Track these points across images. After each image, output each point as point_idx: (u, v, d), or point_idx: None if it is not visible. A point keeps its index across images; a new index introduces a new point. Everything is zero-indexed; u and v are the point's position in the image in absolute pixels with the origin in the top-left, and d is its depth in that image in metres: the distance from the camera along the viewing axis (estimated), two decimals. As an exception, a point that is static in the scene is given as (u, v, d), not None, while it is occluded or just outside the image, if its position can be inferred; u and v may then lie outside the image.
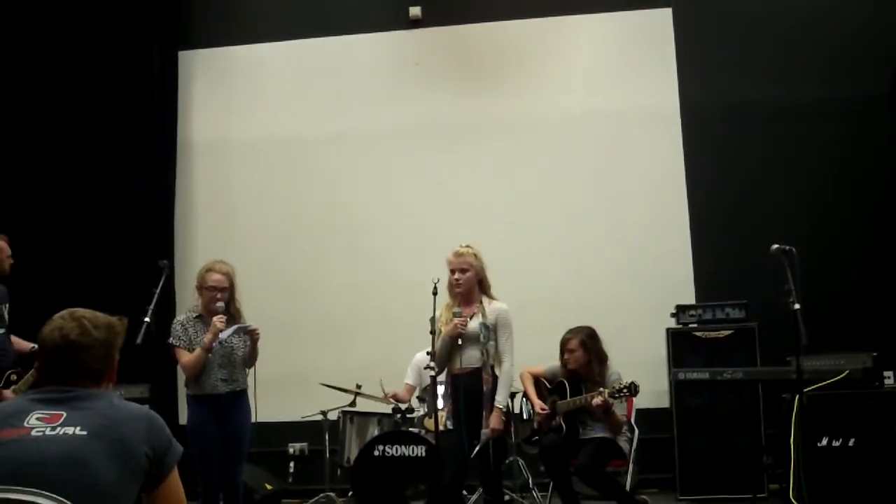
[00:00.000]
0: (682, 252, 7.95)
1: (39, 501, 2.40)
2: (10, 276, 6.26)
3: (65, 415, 2.60)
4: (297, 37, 8.69)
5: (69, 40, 8.55)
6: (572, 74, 8.39)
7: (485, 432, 5.29)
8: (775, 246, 5.29)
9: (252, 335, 5.73)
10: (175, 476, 2.75)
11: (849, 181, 7.78)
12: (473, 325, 5.46)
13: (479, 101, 8.42)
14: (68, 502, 2.41)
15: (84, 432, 2.57)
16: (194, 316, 5.73)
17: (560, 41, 8.46)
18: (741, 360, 7.02)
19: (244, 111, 8.69)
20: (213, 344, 5.55)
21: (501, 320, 5.50)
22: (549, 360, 6.40)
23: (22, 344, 6.17)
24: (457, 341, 5.41)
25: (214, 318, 5.57)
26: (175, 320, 5.80)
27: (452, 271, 5.56)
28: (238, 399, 5.71)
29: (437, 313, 5.54)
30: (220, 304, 5.61)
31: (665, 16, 8.22)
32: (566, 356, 6.20)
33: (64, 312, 2.83)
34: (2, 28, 8.45)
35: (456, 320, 5.42)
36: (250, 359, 5.80)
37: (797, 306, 5.16)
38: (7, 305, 6.14)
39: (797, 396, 5.64)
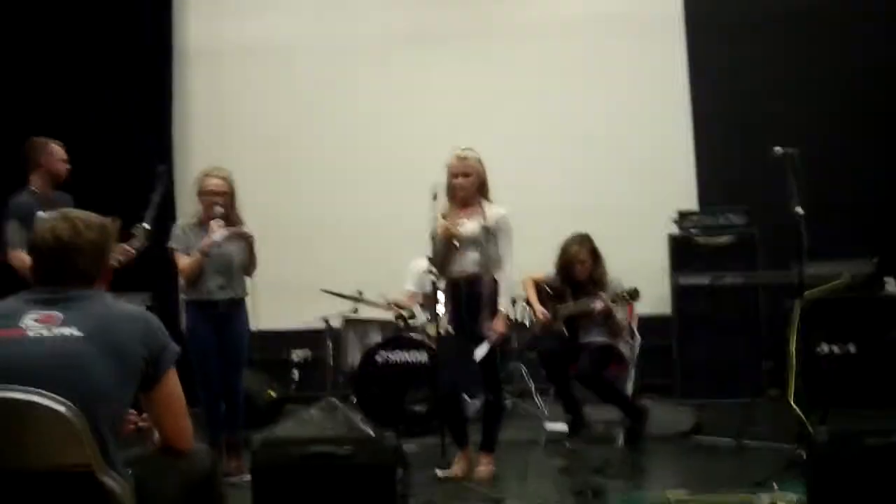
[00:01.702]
0: (684, 157, 7.91)
1: (35, 400, 2.41)
2: (70, 182, 6.15)
3: (60, 315, 2.60)
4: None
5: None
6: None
7: (489, 335, 5.28)
8: (778, 149, 5.22)
9: (246, 239, 5.71)
10: (173, 376, 2.76)
11: (857, 86, 7.64)
12: (472, 228, 5.41)
13: (478, 6, 8.29)
14: (65, 400, 2.42)
15: (80, 333, 2.57)
16: (194, 222, 5.71)
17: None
18: (742, 266, 7.03)
19: (240, 15, 8.56)
20: (210, 248, 5.54)
21: (501, 225, 5.45)
22: (547, 266, 6.41)
23: None
24: (452, 243, 5.37)
25: (211, 222, 5.55)
26: (175, 224, 5.80)
27: (455, 175, 5.48)
28: (236, 307, 5.72)
29: (436, 218, 5.50)
30: (219, 209, 5.59)
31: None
32: (577, 266, 6.19)
33: (56, 213, 2.82)
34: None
35: (444, 223, 5.37)
36: (249, 265, 5.79)
37: (799, 211, 5.12)
38: None
39: (797, 302, 5.64)
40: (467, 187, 5.44)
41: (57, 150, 6.04)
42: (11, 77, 8.20)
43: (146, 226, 5.73)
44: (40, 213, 5.61)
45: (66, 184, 6.14)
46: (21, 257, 5.58)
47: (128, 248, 5.51)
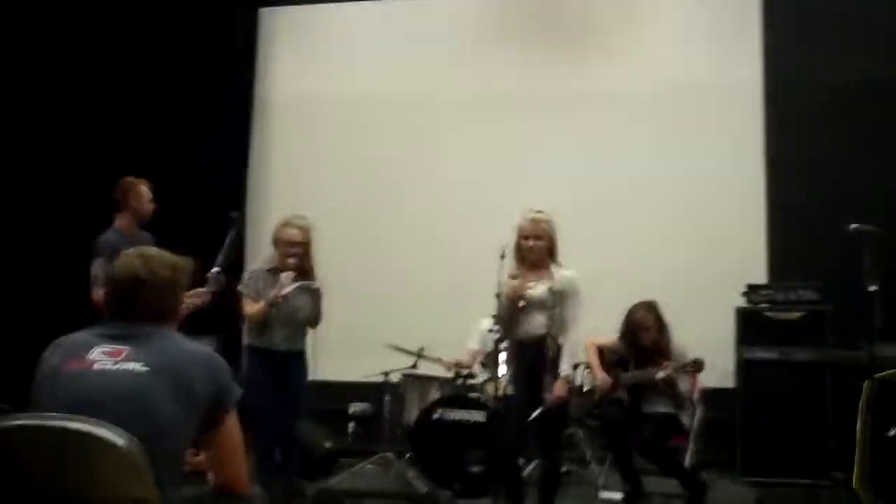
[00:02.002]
0: (756, 231, 7.82)
1: (97, 432, 2.43)
2: (153, 221, 6.31)
3: (128, 350, 2.64)
4: (379, -4, 8.69)
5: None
6: (653, 46, 8.27)
7: (547, 398, 5.23)
8: (854, 225, 5.14)
9: (315, 294, 5.76)
10: (233, 419, 2.77)
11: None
12: (540, 291, 5.39)
13: (557, 70, 8.34)
14: (126, 434, 2.44)
15: (146, 369, 2.60)
16: (267, 269, 5.77)
17: (643, 12, 8.36)
18: (812, 343, 6.87)
19: (324, 70, 8.73)
20: (279, 300, 5.59)
21: (569, 288, 5.42)
22: (613, 332, 6.35)
23: None
24: (517, 305, 5.35)
25: (281, 275, 5.60)
26: (248, 269, 5.87)
27: (526, 237, 5.47)
28: (296, 357, 5.75)
29: (503, 278, 5.49)
30: (293, 260, 5.64)
31: (754, -10, 8.04)
32: (642, 333, 6.13)
33: (133, 251, 2.88)
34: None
35: (512, 283, 5.36)
36: (314, 318, 5.83)
37: (874, 288, 5.02)
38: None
39: (867, 383, 5.50)
40: (538, 250, 5.43)
41: (145, 190, 6.23)
42: (100, 117, 8.43)
43: (217, 269, 5.81)
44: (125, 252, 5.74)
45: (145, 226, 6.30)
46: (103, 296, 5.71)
47: (202, 291, 5.58)
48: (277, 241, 5.80)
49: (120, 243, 5.90)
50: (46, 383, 2.64)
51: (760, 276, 7.61)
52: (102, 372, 2.58)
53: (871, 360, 5.22)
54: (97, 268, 5.90)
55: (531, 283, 5.38)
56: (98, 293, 5.82)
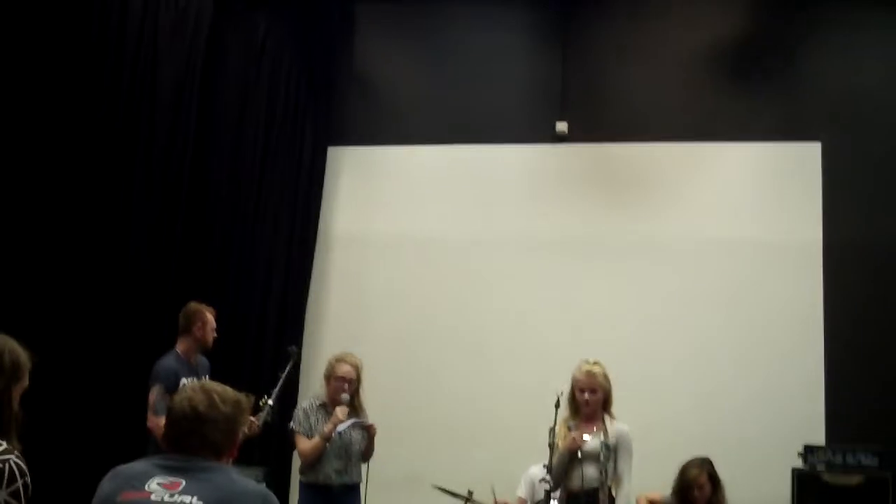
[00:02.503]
0: (814, 392, 7.68)
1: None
2: (213, 349, 6.39)
3: (184, 483, 2.67)
4: (444, 142, 8.87)
5: (230, 127, 8.94)
6: (713, 201, 8.31)
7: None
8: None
9: (369, 431, 5.79)
10: (284, 558, 2.78)
11: None
12: (594, 443, 5.38)
13: (616, 220, 8.39)
14: None
15: (201, 503, 2.62)
16: (318, 404, 5.83)
17: (702, 167, 8.42)
18: (871, 510, 6.69)
19: (385, 209, 8.88)
20: (332, 435, 5.61)
21: (623, 442, 5.41)
22: (665, 486, 6.25)
23: None
24: (574, 456, 5.32)
25: (336, 409, 5.65)
26: (298, 406, 5.92)
27: (581, 390, 5.49)
28: (350, 492, 5.75)
29: (556, 427, 5.48)
30: (345, 396, 5.70)
31: (814, 150, 8.11)
32: (695, 491, 6.03)
33: (196, 384, 2.94)
34: (157, 113, 8.83)
35: (573, 434, 5.34)
36: (366, 453, 5.84)
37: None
38: (207, 377, 6.14)
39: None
40: (593, 404, 5.45)
41: (210, 318, 6.31)
42: (169, 244, 8.63)
43: (271, 402, 5.87)
44: (184, 381, 5.81)
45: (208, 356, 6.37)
46: (160, 425, 5.75)
47: (254, 420, 5.61)
48: (330, 377, 5.87)
49: (179, 370, 6.00)
50: (103, 512, 2.67)
51: (819, 438, 7.46)
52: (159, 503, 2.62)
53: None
54: (156, 395, 5.95)
55: (586, 436, 5.35)
56: (154, 420, 5.86)
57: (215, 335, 6.35)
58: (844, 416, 7.56)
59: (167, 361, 6.11)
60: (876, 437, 7.05)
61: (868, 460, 6.95)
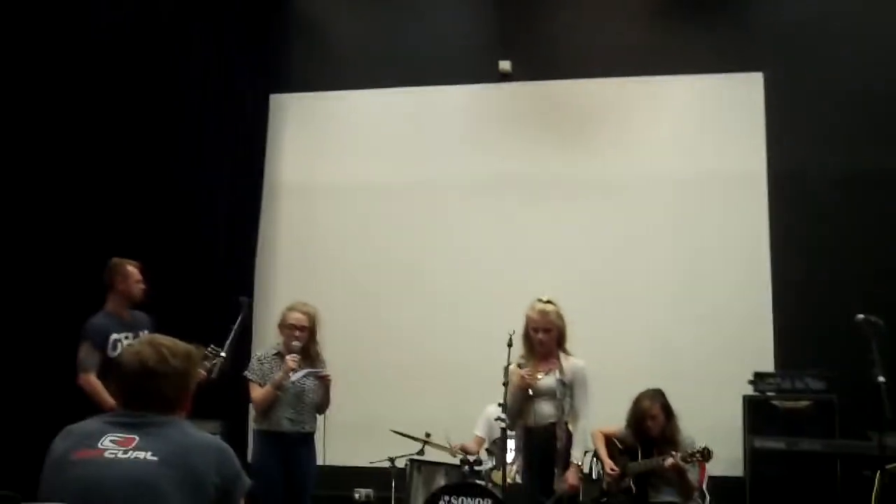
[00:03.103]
0: (762, 319, 7.81)
1: (107, 522, 2.44)
2: (149, 303, 6.31)
3: (137, 439, 2.65)
4: (386, 85, 8.81)
5: (165, 78, 8.77)
6: (658, 135, 8.35)
7: (561, 487, 5.22)
8: (861, 316, 5.16)
9: (323, 381, 5.78)
10: (241, 509, 2.77)
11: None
12: (550, 380, 5.43)
13: (563, 158, 8.41)
14: None
15: (155, 458, 2.61)
16: (273, 353, 5.81)
17: (647, 102, 8.45)
18: (820, 432, 6.83)
19: (331, 156, 8.82)
20: (284, 382, 5.61)
21: (578, 378, 5.46)
22: (620, 420, 6.34)
23: None
24: (527, 394, 5.37)
25: (287, 357, 5.64)
26: (254, 355, 5.90)
27: (535, 329, 5.51)
28: (304, 441, 5.76)
29: (511, 366, 5.51)
30: (297, 344, 5.69)
31: (756, 81, 8.16)
32: (648, 422, 6.12)
33: (144, 338, 2.91)
34: (93, 70, 8.69)
35: (522, 372, 5.38)
36: (322, 404, 5.84)
37: (881, 379, 5.01)
38: (148, 331, 6.07)
39: (878, 473, 5.46)
40: (547, 342, 5.47)
41: (132, 271, 6.19)
42: (101, 199, 8.53)
43: (224, 354, 5.83)
44: (114, 336, 5.78)
45: (149, 306, 6.29)
46: (90, 381, 5.70)
47: (202, 371, 5.59)
48: (283, 326, 5.85)
49: (109, 326, 5.93)
50: (57, 471, 2.65)
51: (768, 364, 7.59)
52: (112, 460, 2.59)
53: (881, 451, 5.20)
54: (83, 351, 5.87)
55: (540, 374, 5.39)
56: (82, 377, 5.81)
57: (142, 287, 6.24)
58: (792, 342, 7.69)
59: (95, 318, 6.02)
60: (823, 361, 7.18)
61: (816, 384, 7.09)
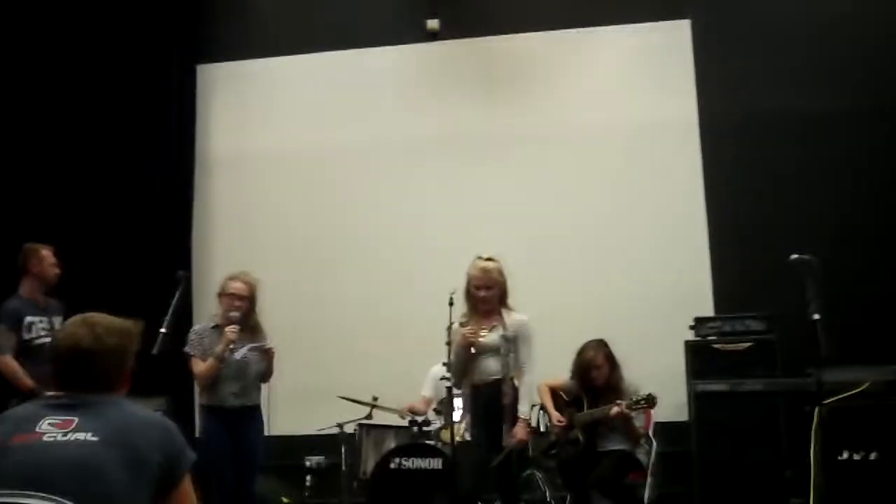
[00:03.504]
0: (701, 265, 7.90)
1: (48, 507, 2.40)
2: (60, 287, 6.30)
3: (77, 420, 2.60)
4: (315, 50, 8.73)
5: (88, 55, 8.59)
6: (590, 87, 8.37)
7: (510, 442, 5.26)
8: (794, 255, 5.23)
9: (268, 354, 5.74)
10: (188, 483, 2.73)
11: (869, 191, 7.68)
12: (493, 337, 5.44)
13: (496, 115, 8.40)
14: None
15: (96, 438, 2.56)
16: (211, 326, 5.75)
17: (578, 54, 8.47)
18: (761, 372, 6.94)
19: (263, 124, 8.73)
20: (226, 355, 5.56)
21: (522, 332, 5.48)
22: (566, 372, 6.39)
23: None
24: (470, 352, 5.38)
25: (227, 329, 5.58)
26: (192, 329, 5.83)
27: (477, 287, 5.51)
28: (250, 413, 5.73)
29: (454, 324, 5.51)
30: (236, 314, 5.62)
31: (683, 27, 8.21)
32: (593, 373, 6.17)
33: (77, 318, 2.83)
34: (18, 39, 8.47)
35: (463, 331, 5.39)
36: (265, 375, 5.81)
37: (817, 317, 5.10)
38: (61, 319, 6.09)
39: (817, 409, 5.57)
40: (489, 300, 5.48)
41: (46, 255, 6.23)
42: (33, 182, 8.35)
43: (164, 330, 5.76)
44: (28, 319, 5.79)
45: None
46: (7, 363, 5.73)
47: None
48: (222, 295, 5.79)
49: (22, 309, 5.98)
50: (-5, 458, 2.59)
51: (707, 309, 7.69)
52: (52, 444, 2.54)
53: (819, 387, 5.30)
54: None
55: (483, 331, 5.40)
56: (1, 360, 5.85)
57: (57, 271, 6.27)
58: (731, 285, 7.80)
59: (8, 302, 6.08)
60: (762, 303, 7.29)
61: (755, 326, 7.20)
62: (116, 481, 2.51)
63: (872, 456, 6.09)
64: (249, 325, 5.73)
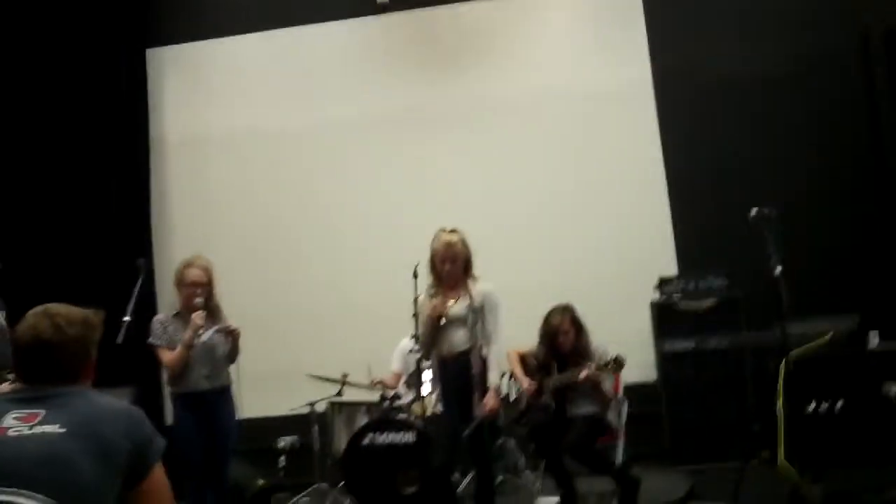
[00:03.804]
0: (662, 226, 7.96)
1: (19, 501, 2.37)
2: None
3: (42, 413, 2.57)
4: (264, 28, 8.67)
5: (35, 42, 8.45)
6: (543, 54, 8.37)
7: (481, 412, 5.27)
8: (755, 210, 5.27)
9: (232, 334, 5.70)
10: (159, 471, 2.71)
11: (826, 143, 7.77)
12: (460, 308, 5.43)
13: (450, 86, 8.40)
14: (47, 499, 2.37)
15: (62, 430, 2.53)
16: (173, 314, 5.69)
17: (529, 20, 8.44)
18: (726, 329, 7.02)
19: (216, 106, 8.66)
20: (194, 342, 5.52)
21: (489, 302, 5.47)
22: (533, 339, 6.40)
23: None
24: (438, 323, 5.38)
25: (193, 315, 5.54)
26: (154, 319, 5.76)
27: (442, 261, 5.50)
28: (222, 395, 5.69)
29: (420, 297, 5.51)
30: (199, 301, 5.58)
31: (634, -11, 8.21)
32: (560, 338, 6.18)
33: (38, 309, 2.78)
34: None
35: (432, 302, 5.39)
36: (231, 355, 5.77)
37: (779, 269, 5.14)
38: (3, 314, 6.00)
39: (782, 362, 5.63)
40: (454, 272, 5.47)
41: None
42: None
43: (126, 319, 5.70)
44: None
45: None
46: None
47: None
48: (181, 285, 5.72)
49: None
50: (-39, 455, 2.55)
51: (671, 269, 7.75)
52: (18, 438, 2.51)
53: (783, 340, 5.35)
54: None
55: (451, 302, 5.40)
56: None
57: None
58: (693, 244, 7.86)
59: None
60: (725, 260, 7.35)
61: (718, 283, 7.27)
62: (85, 472, 2.49)
63: (838, 405, 6.17)
64: (210, 307, 5.68)
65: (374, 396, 6.85)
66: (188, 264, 5.72)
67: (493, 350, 5.42)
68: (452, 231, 5.55)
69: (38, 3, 8.51)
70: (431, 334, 5.44)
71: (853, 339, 6.35)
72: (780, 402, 5.31)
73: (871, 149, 7.72)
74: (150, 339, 5.64)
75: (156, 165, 8.57)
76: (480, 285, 5.52)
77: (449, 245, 5.48)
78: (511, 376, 6.44)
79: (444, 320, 5.38)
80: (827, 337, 6.17)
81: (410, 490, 6.34)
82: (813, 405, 6.20)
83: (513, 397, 6.50)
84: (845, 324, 6.37)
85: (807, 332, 6.24)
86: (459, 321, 5.42)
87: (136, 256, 6.54)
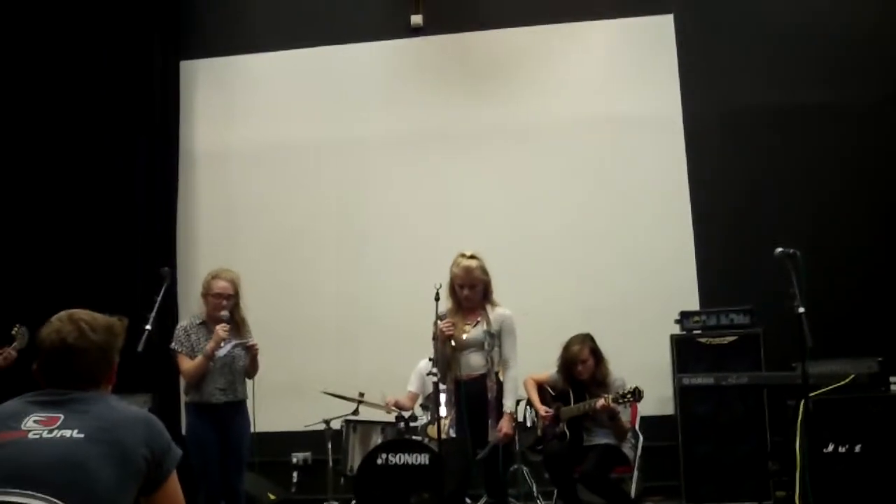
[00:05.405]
0: (685, 259, 7.92)
1: (24, 502, 2.38)
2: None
3: (62, 417, 2.58)
4: (298, 46, 8.70)
5: (71, 51, 8.54)
6: (574, 81, 8.36)
7: (495, 437, 5.27)
8: (779, 249, 5.25)
9: (251, 350, 5.73)
10: (174, 480, 2.72)
11: (853, 185, 7.74)
12: (477, 332, 5.45)
13: (480, 109, 8.39)
14: (56, 502, 2.39)
15: (81, 435, 2.54)
16: (198, 322, 5.73)
17: (562, 48, 8.45)
18: (746, 365, 6.95)
19: (246, 120, 8.69)
20: (216, 352, 5.55)
21: (506, 327, 5.49)
22: (552, 366, 6.39)
23: None
24: (450, 345, 5.38)
25: (217, 327, 5.57)
26: (178, 326, 5.81)
27: (461, 286, 5.52)
28: (237, 409, 5.71)
29: (438, 320, 5.52)
30: (225, 313, 5.61)
31: (667, 22, 8.22)
32: (579, 367, 6.17)
33: (62, 314, 2.80)
34: (4, 36, 8.42)
35: (442, 325, 5.39)
36: (250, 371, 5.80)
37: (802, 310, 5.11)
38: None
39: (802, 402, 5.59)
40: (472, 298, 5.49)
41: None
42: (17, 180, 8.32)
43: (149, 327, 5.73)
44: None
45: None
46: None
47: (11, 351, 5.60)
48: (208, 295, 5.77)
49: None
50: (-21, 455, 2.57)
51: (693, 303, 7.71)
52: (37, 441, 2.53)
53: (804, 380, 5.31)
54: None
55: (467, 326, 5.41)
56: None
57: None
58: (716, 279, 7.82)
59: None
60: (746, 296, 7.31)
61: (740, 319, 7.22)
62: (102, 477, 2.50)
63: (857, 448, 6.12)
64: (235, 320, 5.71)
65: (389, 416, 6.85)
66: (216, 275, 5.77)
67: (509, 375, 5.44)
68: (472, 257, 5.57)
69: (77, 12, 8.60)
70: (447, 357, 5.45)
71: (874, 382, 6.30)
72: (798, 442, 5.27)
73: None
74: (172, 345, 5.68)
75: (184, 175, 8.62)
76: (498, 310, 5.54)
77: (467, 271, 5.50)
78: (528, 403, 6.43)
79: (454, 343, 5.39)
80: (848, 379, 6.12)
81: (422, 512, 6.34)
82: (832, 447, 6.15)
83: (529, 424, 6.49)
84: (867, 366, 6.32)
85: (828, 373, 6.21)
86: (476, 345, 5.43)
87: (161, 264, 6.60)
